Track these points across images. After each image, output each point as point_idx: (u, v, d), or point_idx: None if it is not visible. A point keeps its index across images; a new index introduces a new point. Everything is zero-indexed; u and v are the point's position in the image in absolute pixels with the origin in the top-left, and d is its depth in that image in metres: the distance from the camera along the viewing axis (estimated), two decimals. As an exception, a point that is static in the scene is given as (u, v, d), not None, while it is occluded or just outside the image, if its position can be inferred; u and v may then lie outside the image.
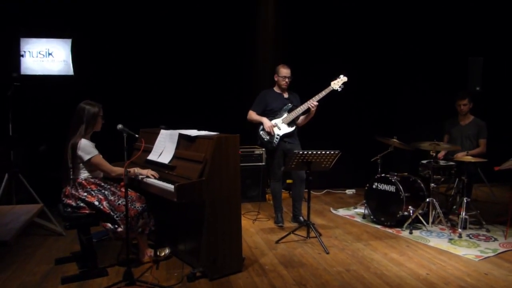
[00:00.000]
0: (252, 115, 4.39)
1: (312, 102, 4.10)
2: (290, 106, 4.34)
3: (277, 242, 3.97)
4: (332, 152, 3.72)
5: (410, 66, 6.43)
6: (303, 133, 4.60)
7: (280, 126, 4.33)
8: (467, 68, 5.79)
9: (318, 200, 5.91)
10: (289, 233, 4.05)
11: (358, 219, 4.87)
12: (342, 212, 5.25)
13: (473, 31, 6.36)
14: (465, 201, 4.28)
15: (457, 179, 4.54)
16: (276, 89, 4.45)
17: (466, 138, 4.81)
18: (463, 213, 4.22)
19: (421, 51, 6.38)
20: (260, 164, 5.54)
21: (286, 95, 4.43)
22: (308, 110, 4.21)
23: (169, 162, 3.43)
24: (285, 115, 4.34)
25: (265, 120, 4.26)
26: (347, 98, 5.10)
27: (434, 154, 4.40)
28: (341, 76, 4.30)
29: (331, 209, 5.37)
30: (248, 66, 5.94)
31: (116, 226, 3.16)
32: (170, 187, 2.97)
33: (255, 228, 4.44)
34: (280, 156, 4.32)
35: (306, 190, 4.05)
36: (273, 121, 4.33)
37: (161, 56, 5.60)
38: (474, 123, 4.82)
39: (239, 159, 3.15)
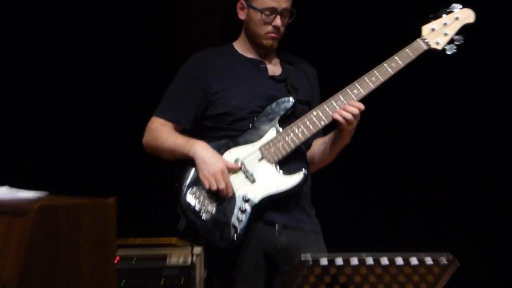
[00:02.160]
0: (160, 133, 3.38)
1: (351, 106, 3.22)
2: (291, 103, 3.35)
3: None
4: (431, 260, 2.63)
5: None
6: (323, 183, 3.88)
7: (256, 172, 3.28)
8: None
9: None
10: None
11: None
12: None
13: None
14: None
15: None
16: (240, 46, 3.52)
17: None
18: None
19: None
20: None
21: (273, 67, 3.48)
22: (335, 124, 3.30)
23: None
24: (272, 133, 3.31)
25: (201, 149, 3.25)
26: (458, 85, 4.71)
27: None
28: (456, 7, 3.34)
29: None
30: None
31: None
32: None
33: None
34: (256, 272, 3.32)
35: None
36: (232, 153, 3.30)
37: None
38: None
39: (115, 274, 2.64)
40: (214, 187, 3.00)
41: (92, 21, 5.33)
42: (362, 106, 3.05)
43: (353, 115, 3.03)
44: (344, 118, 3.01)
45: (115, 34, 5.36)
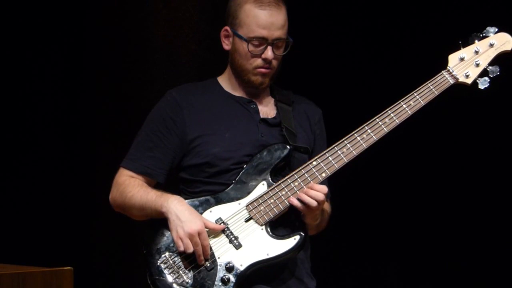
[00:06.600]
0: (128, 186, 2.98)
1: (314, 190, 2.79)
2: (286, 151, 2.98)
3: None
4: None
5: None
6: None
7: (242, 235, 2.92)
8: None
9: None
10: None
11: None
12: None
13: None
14: None
15: None
16: (226, 82, 3.17)
17: None
18: None
19: None
20: None
21: (266, 108, 3.13)
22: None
23: None
24: (262, 188, 2.94)
25: (176, 204, 2.86)
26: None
27: None
28: (491, 31, 2.92)
29: None
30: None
31: None
32: None
33: None
34: None
35: None
36: (213, 212, 2.96)
37: None
38: None
39: None
40: (190, 250, 2.68)
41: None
42: (325, 189, 2.69)
43: (318, 201, 2.65)
44: (305, 204, 2.70)
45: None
